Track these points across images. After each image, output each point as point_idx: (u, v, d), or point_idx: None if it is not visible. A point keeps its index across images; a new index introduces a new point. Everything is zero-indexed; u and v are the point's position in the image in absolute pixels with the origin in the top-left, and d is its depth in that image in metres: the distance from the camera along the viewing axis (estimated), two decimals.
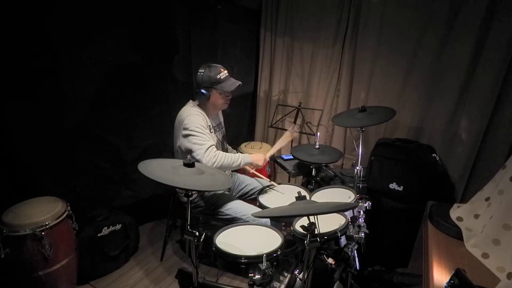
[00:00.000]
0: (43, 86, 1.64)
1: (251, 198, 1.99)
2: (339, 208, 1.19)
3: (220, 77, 1.74)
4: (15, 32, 1.48)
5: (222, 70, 1.77)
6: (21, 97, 1.57)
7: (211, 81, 1.72)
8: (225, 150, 2.02)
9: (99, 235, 1.90)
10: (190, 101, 1.85)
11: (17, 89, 1.55)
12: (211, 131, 1.83)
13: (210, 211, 1.81)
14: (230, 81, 1.78)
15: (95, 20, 1.76)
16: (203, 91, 1.74)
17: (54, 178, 1.76)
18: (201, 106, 1.82)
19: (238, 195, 2.04)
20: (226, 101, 1.83)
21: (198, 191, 1.79)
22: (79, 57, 1.74)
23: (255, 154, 1.85)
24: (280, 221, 1.76)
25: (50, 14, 1.57)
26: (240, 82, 1.80)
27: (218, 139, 1.91)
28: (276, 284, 1.37)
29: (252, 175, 2.04)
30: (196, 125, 1.66)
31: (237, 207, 1.77)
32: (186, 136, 1.68)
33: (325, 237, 1.29)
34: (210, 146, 1.66)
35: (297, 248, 1.42)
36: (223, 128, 2.06)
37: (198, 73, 1.74)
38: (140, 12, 1.97)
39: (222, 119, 2.05)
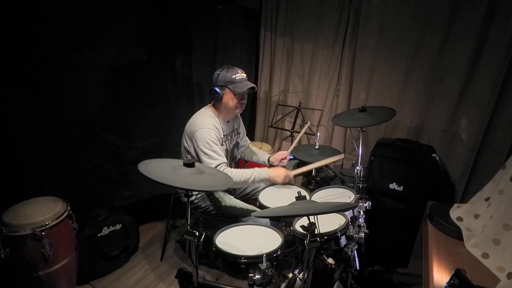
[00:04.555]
0: (43, 86, 1.64)
1: (252, 199, 1.99)
2: (339, 208, 1.19)
3: (235, 78, 1.69)
4: (15, 31, 1.48)
5: (240, 72, 1.73)
6: (21, 97, 1.57)
7: (226, 80, 1.69)
8: (233, 157, 2.01)
9: (99, 235, 1.90)
10: (207, 107, 1.81)
11: (18, 89, 1.56)
12: (223, 140, 1.80)
13: (211, 211, 1.81)
14: (244, 82, 1.72)
15: (95, 20, 1.76)
16: (216, 89, 1.70)
17: (54, 178, 1.76)
18: (216, 109, 1.79)
19: (239, 196, 2.03)
20: (239, 104, 1.76)
21: (199, 191, 1.79)
22: (79, 57, 1.74)
23: (275, 169, 1.74)
24: (280, 221, 1.76)
25: (50, 14, 1.57)
26: (253, 84, 1.72)
27: (227, 148, 1.87)
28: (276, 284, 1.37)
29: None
30: (207, 140, 1.64)
31: (238, 208, 1.76)
32: (197, 151, 1.67)
33: (325, 237, 1.29)
34: (219, 165, 1.63)
35: (297, 248, 1.42)
36: (238, 134, 2.01)
37: (215, 72, 1.72)
38: (140, 12, 1.97)
39: (238, 125, 2.00)
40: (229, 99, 1.72)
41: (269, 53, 2.99)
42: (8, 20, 1.45)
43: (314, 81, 2.78)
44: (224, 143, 1.82)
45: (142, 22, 1.99)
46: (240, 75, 1.72)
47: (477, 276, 1.10)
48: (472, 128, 2.06)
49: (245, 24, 2.86)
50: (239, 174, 1.66)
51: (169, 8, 2.13)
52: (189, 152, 1.75)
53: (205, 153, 1.64)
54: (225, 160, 1.68)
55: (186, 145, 1.76)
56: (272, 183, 1.77)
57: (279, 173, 1.73)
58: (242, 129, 2.06)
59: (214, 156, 1.64)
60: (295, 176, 1.80)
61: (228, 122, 1.87)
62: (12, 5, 1.45)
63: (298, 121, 2.81)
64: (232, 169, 1.70)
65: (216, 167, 1.62)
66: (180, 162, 1.25)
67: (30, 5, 1.49)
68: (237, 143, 2.02)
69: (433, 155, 1.99)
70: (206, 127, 1.67)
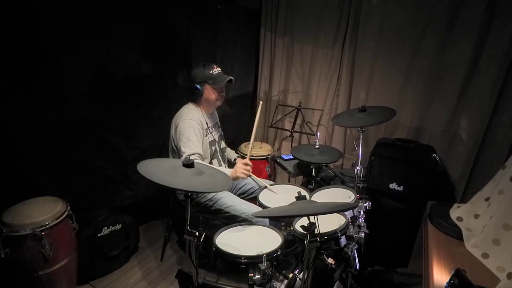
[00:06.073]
0: (43, 86, 1.64)
1: (250, 197, 1.99)
2: (339, 208, 1.19)
3: (212, 73, 1.81)
4: (16, 31, 1.48)
5: (216, 67, 1.85)
6: (21, 97, 1.57)
7: (204, 76, 1.80)
8: (222, 149, 2.05)
9: (99, 235, 1.90)
10: (189, 103, 1.89)
11: (18, 89, 1.55)
12: (209, 131, 1.89)
13: (210, 209, 1.81)
14: (222, 77, 1.84)
15: (95, 20, 1.76)
16: (197, 86, 1.79)
17: (54, 178, 1.76)
18: (199, 105, 1.88)
19: (237, 194, 2.03)
20: (219, 97, 1.87)
21: (198, 193, 1.79)
22: (80, 57, 1.74)
23: (234, 168, 1.71)
24: (280, 221, 1.76)
25: (51, 14, 1.57)
26: (231, 77, 1.83)
27: (214, 138, 1.94)
28: (276, 284, 1.37)
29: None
30: (188, 130, 1.71)
31: (236, 205, 1.77)
32: (178, 140, 1.73)
33: (325, 237, 1.29)
34: (193, 154, 1.67)
35: (297, 248, 1.42)
36: (220, 128, 2.09)
37: (192, 70, 1.81)
38: (140, 12, 1.97)
39: (217, 119, 2.10)
40: (209, 93, 1.84)
41: (269, 53, 2.99)
42: (8, 19, 1.45)
43: (314, 81, 2.78)
44: (209, 134, 1.88)
45: (142, 22, 1.99)
46: (216, 69, 1.83)
47: (477, 276, 1.10)
48: (472, 128, 2.06)
49: (245, 24, 2.86)
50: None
51: (169, 8, 2.13)
52: (173, 150, 1.79)
53: (183, 141, 1.70)
54: (200, 152, 1.72)
55: (171, 139, 1.81)
56: (236, 179, 1.74)
57: (238, 170, 1.68)
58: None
59: (190, 145, 1.69)
60: (250, 159, 1.76)
61: (211, 114, 1.96)
62: (12, 4, 1.45)
63: (298, 121, 2.81)
64: (202, 163, 1.69)
65: (189, 156, 1.65)
66: (180, 162, 1.25)
67: (30, 4, 1.49)
68: (222, 135, 2.08)
69: (433, 155, 1.99)
70: (189, 118, 1.75)
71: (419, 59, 2.20)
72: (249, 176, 1.84)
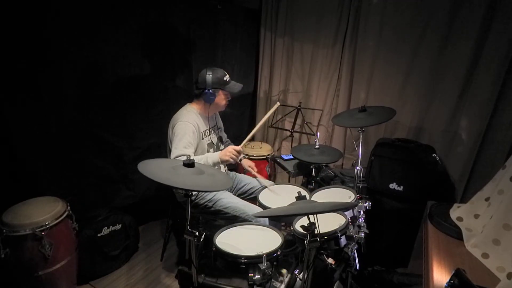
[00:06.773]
0: (43, 87, 1.64)
1: (250, 197, 1.99)
2: (339, 208, 1.19)
3: (226, 79, 1.82)
4: (16, 32, 1.48)
5: (226, 73, 1.84)
6: (21, 97, 1.57)
7: (220, 82, 1.79)
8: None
9: (99, 235, 1.90)
10: (188, 104, 1.88)
11: (18, 89, 1.56)
12: (207, 133, 1.88)
13: (210, 210, 1.81)
14: (233, 83, 1.86)
15: (95, 20, 1.76)
16: (211, 91, 1.77)
17: (54, 178, 1.76)
18: (201, 107, 1.86)
19: (236, 194, 2.03)
20: (227, 102, 1.90)
21: (198, 191, 1.79)
22: (79, 57, 1.74)
23: (223, 150, 1.74)
24: (280, 221, 1.76)
25: (51, 15, 1.58)
26: (242, 85, 1.87)
27: (212, 141, 1.93)
28: (276, 284, 1.37)
29: (253, 176, 2.04)
30: (182, 132, 1.71)
31: (236, 206, 1.77)
32: (173, 140, 1.73)
33: (325, 237, 1.29)
34: (182, 155, 1.63)
35: (297, 248, 1.42)
36: (219, 129, 2.08)
37: (207, 75, 1.77)
38: (140, 12, 1.97)
39: (218, 121, 2.08)
40: (221, 99, 1.86)
41: (269, 53, 2.99)
42: (7, 20, 1.45)
43: (314, 81, 2.78)
44: (206, 137, 1.87)
45: (142, 22, 1.99)
46: (227, 75, 1.83)
47: (477, 276, 1.10)
48: (472, 128, 2.06)
49: (245, 24, 2.86)
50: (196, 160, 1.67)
51: (169, 8, 2.13)
52: (171, 151, 1.77)
53: (175, 141, 1.69)
54: (190, 153, 1.66)
55: (169, 140, 1.80)
56: (224, 162, 1.74)
57: (225, 151, 1.72)
58: (221, 124, 2.13)
59: (182, 146, 1.67)
60: (243, 146, 1.79)
61: (210, 116, 1.94)
62: (12, 5, 1.45)
63: (298, 121, 2.81)
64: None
65: (177, 156, 1.63)
66: (180, 162, 1.25)
67: (29, 5, 1.49)
68: (221, 137, 2.07)
69: (433, 155, 1.99)
70: (185, 120, 1.74)
71: (419, 59, 2.20)
72: (240, 161, 1.83)
